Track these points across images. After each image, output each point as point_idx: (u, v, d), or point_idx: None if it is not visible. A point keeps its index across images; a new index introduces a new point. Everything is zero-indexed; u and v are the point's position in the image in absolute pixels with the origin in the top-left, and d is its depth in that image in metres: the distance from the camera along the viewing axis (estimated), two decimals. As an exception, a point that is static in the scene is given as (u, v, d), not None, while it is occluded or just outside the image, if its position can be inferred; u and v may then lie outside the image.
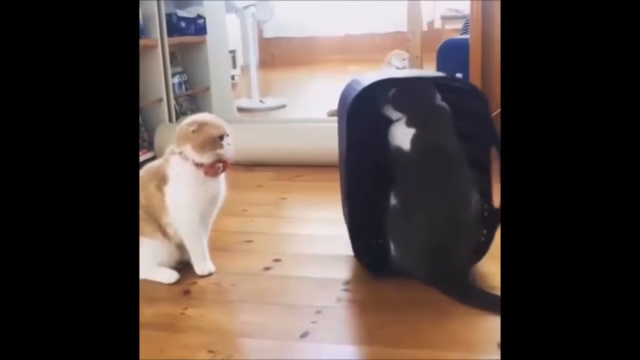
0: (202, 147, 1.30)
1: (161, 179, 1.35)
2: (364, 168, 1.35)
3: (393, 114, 1.30)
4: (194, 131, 1.30)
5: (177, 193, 1.34)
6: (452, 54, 2.70)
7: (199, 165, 1.32)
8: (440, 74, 1.47)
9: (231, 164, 1.36)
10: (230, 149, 1.33)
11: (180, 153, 1.33)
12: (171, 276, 1.36)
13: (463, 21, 4.01)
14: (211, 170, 1.33)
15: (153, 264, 1.36)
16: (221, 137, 1.31)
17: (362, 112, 1.30)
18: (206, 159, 1.31)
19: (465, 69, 2.42)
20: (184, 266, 1.41)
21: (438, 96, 1.31)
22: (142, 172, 1.39)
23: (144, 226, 1.35)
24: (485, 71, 2.38)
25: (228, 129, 1.34)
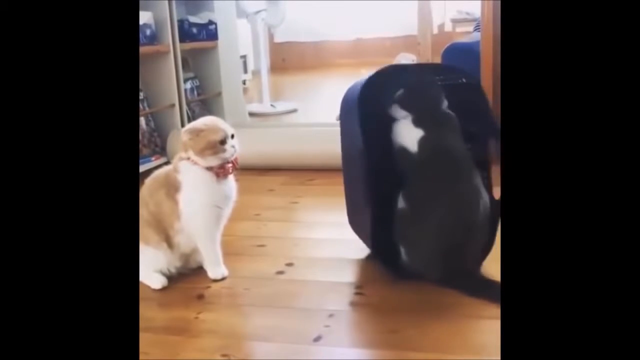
0: (202, 153, 1.32)
1: (172, 187, 1.35)
2: (379, 166, 1.34)
3: (399, 112, 1.30)
4: (190, 139, 1.32)
5: (192, 198, 1.34)
6: (457, 57, 2.67)
7: (208, 168, 1.33)
8: (445, 65, 1.46)
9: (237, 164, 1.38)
10: (232, 150, 1.34)
11: (189, 159, 1.35)
12: (161, 282, 1.36)
13: (474, 24, 4.01)
14: (222, 171, 1.34)
15: (147, 270, 1.36)
16: (222, 141, 1.32)
17: (372, 104, 1.29)
18: (210, 162, 1.33)
19: (470, 72, 2.40)
20: (193, 272, 1.42)
21: (445, 103, 1.31)
22: (150, 180, 1.40)
23: (150, 234, 1.35)
24: (497, 73, 2.37)
25: (230, 130, 1.34)
